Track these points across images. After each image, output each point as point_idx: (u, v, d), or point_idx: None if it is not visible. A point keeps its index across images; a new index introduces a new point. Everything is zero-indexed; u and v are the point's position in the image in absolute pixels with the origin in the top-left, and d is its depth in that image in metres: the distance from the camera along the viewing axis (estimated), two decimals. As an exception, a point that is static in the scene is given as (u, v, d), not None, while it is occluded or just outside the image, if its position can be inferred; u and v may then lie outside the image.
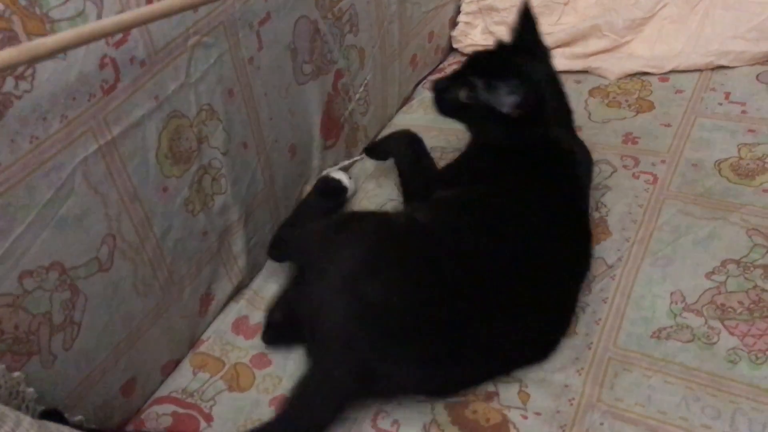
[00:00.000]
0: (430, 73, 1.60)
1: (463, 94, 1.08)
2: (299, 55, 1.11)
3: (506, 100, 1.03)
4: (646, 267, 1.05)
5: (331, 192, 1.21)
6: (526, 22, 1.11)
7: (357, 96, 1.31)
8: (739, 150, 1.21)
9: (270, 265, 1.16)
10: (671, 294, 1.00)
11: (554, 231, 0.99)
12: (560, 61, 1.46)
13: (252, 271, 1.14)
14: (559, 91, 1.12)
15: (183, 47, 0.90)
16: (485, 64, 1.10)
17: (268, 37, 1.04)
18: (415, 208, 1.05)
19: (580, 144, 1.15)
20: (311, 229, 1.07)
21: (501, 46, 1.12)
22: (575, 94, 1.43)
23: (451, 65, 1.62)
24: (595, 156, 1.26)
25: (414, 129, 1.37)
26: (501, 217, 0.99)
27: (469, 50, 1.61)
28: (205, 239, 1.02)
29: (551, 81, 1.11)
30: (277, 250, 1.11)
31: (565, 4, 1.51)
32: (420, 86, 1.57)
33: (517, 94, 1.02)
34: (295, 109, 1.14)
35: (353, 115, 1.32)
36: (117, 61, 0.81)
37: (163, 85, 0.88)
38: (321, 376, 0.90)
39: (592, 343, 0.96)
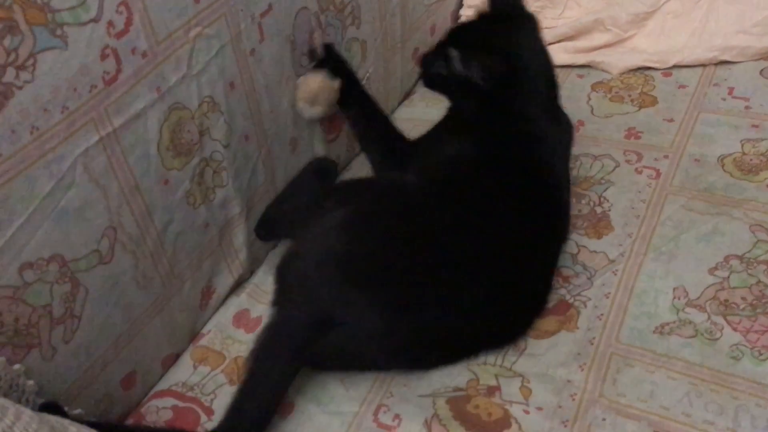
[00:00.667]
0: (431, 67, 1.59)
1: (440, 67, 1.07)
2: (298, 47, 1.11)
3: (479, 72, 1.02)
4: (648, 262, 1.05)
5: (324, 172, 1.20)
6: None
7: (359, 89, 1.30)
8: (742, 145, 1.21)
9: (271, 259, 1.16)
10: (674, 289, 1.00)
11: (517, 208, 0.99)
12: (563, 55, 1.46)
13: (253, 264, 1.13)
14: (542, 62, 1.09)
15: (185, 38, 0.89)
16: (462, 35, 1.09)
17: (269, 29, 1.03)
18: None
19: (561, 119, 1.11)
20: (299, 203, 1.09)
21: (482, 16, 1.11)
22: (578, 88, 1.42)
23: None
24: (597, 151, 1.26)
25: (416, 123, 1.37)
26: (475, 190, 1.00)
27: (471, 44, 1.60)
28: (206, 232, 1.01)
29: (531, 51, 1.07)
30: (264, 229, 1.12)
31: (568, -3, 1.51)
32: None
33: (488, 64, 1.01)
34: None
35: (354, 108, 1.31)
36: (118, 51, 0.81)
37: (165, 77, 0.87)
38: (280, 323, 0.92)
39: (594, 338, 0.95)
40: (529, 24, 1.09)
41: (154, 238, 0.92)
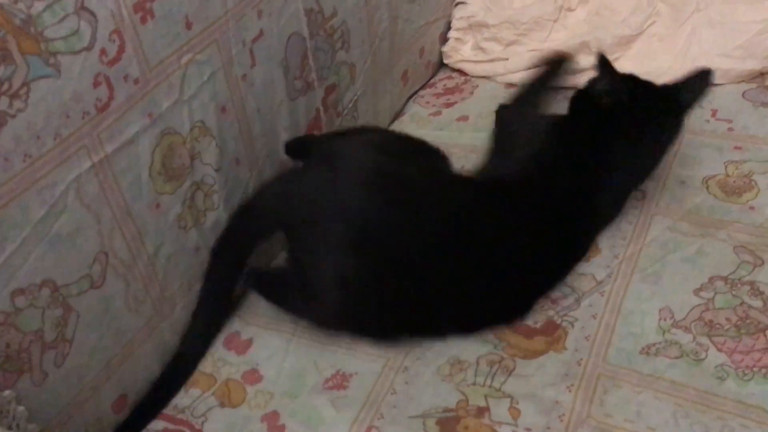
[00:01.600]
0: (421, 88, 1.61)
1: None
2: (291, 72, 1.12)
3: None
4: (635, 283, 1.06)
5: None
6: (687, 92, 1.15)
7: (345, 111, 1.32)
8: (726, 167, 1.23)
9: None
10: (660, 310, 1.01)
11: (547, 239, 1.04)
12: (550, 77, 1.48)
13: (243, 287, 1.14)
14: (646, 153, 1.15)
15: (177, 65, 0.90)
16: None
17: (261, 54, 1.04)
18: None
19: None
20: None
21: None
22: (564, 110, 1.44)
23: (442, 80, 1.63)
24: (584, 172, 1.27)
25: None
26: (519, 188, 1.07)
27: (459, 65, 1.62)
28: (197, 255, 1.02)
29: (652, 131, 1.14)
30: (294, 147, 1.16)
31: (555, 21, 1.53)
32: (411, 101, 1.58)
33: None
34: (287, 125, 1.15)
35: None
36: (111, 79, 0.82)
37: (157, 103, 0.89)
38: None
39: (581, 359, 0.96)
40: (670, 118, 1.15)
41: (145, 262, 0.93)
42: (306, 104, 1.19)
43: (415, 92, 1.60)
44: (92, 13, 0.78)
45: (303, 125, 1.20)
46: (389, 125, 1.51)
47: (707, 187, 1.20)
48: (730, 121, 1.32)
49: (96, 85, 0.80)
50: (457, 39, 1.61)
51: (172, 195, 0.94)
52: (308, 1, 1.12)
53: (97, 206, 0.84)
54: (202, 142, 0.97)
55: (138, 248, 0.91)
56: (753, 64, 1.37)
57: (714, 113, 1.35)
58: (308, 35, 1.14)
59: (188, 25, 0.90)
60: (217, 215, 1.03)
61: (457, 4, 1.60)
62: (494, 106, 1.47)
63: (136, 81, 0.85)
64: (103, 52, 0.80)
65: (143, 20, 0.84)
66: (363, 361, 1.01)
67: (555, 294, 1.06)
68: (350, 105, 1.33)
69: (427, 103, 1.56)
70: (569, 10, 1.53)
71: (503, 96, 1.51)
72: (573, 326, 1.01)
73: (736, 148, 1.26)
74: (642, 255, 1.10)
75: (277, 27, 1.06)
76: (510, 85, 1.53)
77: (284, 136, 1.15)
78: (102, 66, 0.80)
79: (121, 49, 0.82)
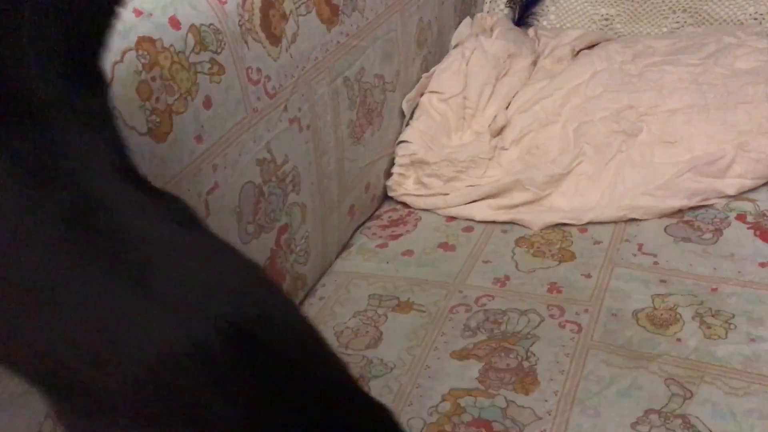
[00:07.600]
0: (367, 220, 1.68)
1: None
2: (244, 218, 1.17)
3: None
4: (575, 417, 1.11)
5: None
6: None
7: (298, 248, 1.37)
8: (653, 300, 1.31)
9: None
10: (600, 446, 1.05)
11: None
12: (488, 211, 1.58)
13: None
14: None
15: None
16: None
17: (215, 204, 1.10)
18: None
19: None
20: None
21: None
22: (503, 243, 1.52)
23: (387, 212, 1.70)
24: (523, 306, 1.34)
25: (353, 276, 1.45)
26: None
27: (402, 198, 1.70)
28: None
29: None
30: None
31: (490, 159, 1.64)
32: (358, 232, 1.64)
33: None
34: (240, 269, 1.19)
35: (294, 267, 1.37)
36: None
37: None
38: None
39: (527, 498, 0.99)
40: None
41: None
42: (259, 246, 1.23)
43: (362, 224, 1.66)
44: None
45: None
46: (336, 257, 1.56)
47: (637, 320, 1.27)
48: (655, 255, 1.42)
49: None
50: (401, 174, 1.70)
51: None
52: (261, 152, 1.19)
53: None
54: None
55: None
56: (673, 203, 1.49)
57: (640, 247, 1.45)
58: (261, 182, 1.20)
59: (147, 184, 0.95)
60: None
61: (399, 143, 1.70)
62: (436, 240, 1.57)
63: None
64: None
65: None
66: None
67: (497, 427, 1.10)
68: (302, 241, 1.38)
69: (374, 234, 1.63)
70: (503, 149, 1.65)
71: (444, 228, 1.59)
72: (518, 463, 1.04)
73: (661, 281, 1.35)
74: (580, 388, 1.15)
75: (231, 178, 1.12)
76: (450, 218, 1.61)
77: (236, 280, 1.18)
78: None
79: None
